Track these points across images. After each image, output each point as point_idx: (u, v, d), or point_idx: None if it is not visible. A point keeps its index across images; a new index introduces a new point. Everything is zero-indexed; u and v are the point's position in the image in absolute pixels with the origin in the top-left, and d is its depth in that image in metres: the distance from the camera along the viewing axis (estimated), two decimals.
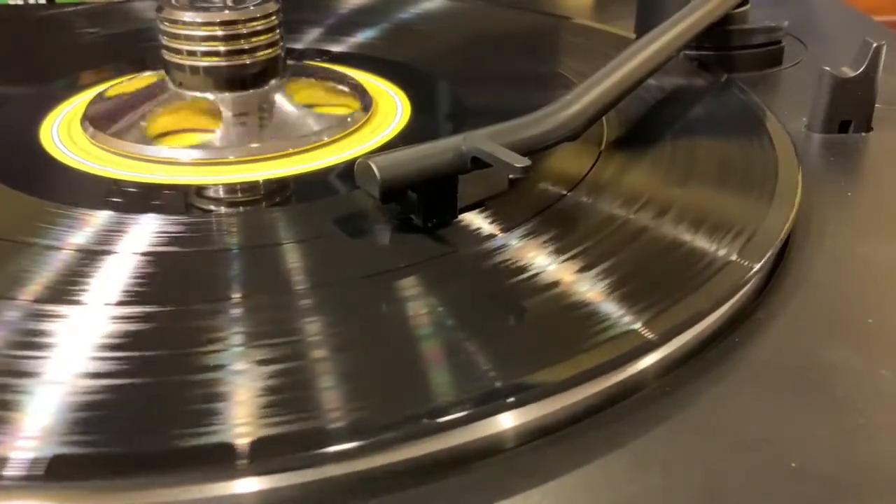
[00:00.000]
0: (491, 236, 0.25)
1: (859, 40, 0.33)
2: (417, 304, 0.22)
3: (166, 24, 0.33)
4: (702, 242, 0.25)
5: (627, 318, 0.21)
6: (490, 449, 0.19)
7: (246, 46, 0.33)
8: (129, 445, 0.18)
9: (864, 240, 0.27)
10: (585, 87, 0.29)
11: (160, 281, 0.23)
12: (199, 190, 0.29)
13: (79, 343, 0.21)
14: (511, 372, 0.20)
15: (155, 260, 0.24)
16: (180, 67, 0.33)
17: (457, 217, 0.26)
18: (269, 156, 0.31)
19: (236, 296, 0.23)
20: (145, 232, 0.26)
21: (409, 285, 0.23)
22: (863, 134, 0.34)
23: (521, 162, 0.24)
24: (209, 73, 0.33)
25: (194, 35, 0.32)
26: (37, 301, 0.22)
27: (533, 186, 0.28)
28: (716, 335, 0.23)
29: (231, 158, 0.31)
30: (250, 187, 0.29)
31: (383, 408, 0.19)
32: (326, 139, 0.32)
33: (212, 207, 0.28)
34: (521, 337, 0.21)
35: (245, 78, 0.33)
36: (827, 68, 0.33)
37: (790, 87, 0.40)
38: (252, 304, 0.22)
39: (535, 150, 0.27)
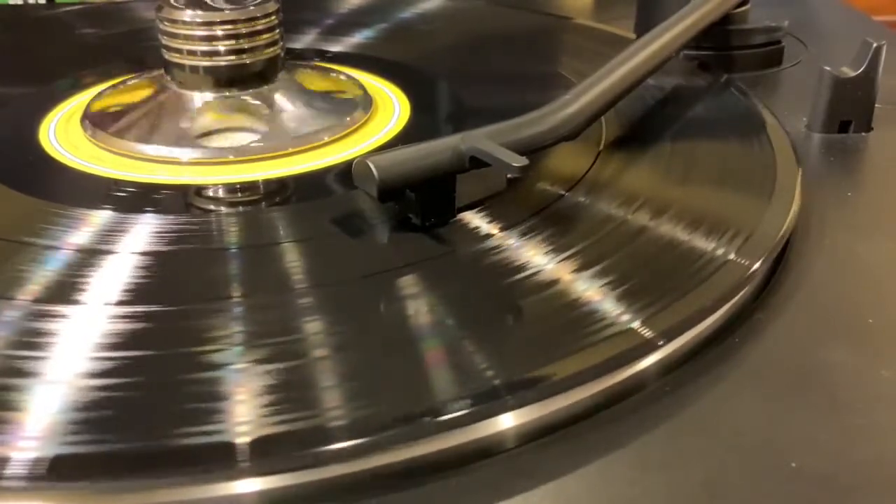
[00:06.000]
0: (489, 235, 0.25)
1: (859, 40, 0.33)
2: (416, 304, 0.22)
3: (166, 23, 0.33)
4: (701, 242, 0.25)
5: (627, 318, 0.21)
6: (490, 449, 0.19)
7: (246, 46, 0.33)
8: (129, 445, 0.18)
9: (864, 240, 0.27)
10: (584, 86, 0.29)
11: (160, 280, 0.23)
12: (199, 190, 0.29)
13: (79, 343, 0.21)
14: (510, 371, 0.20)
15: (154, 260, 0.24)
16: (180, 67, 0.33)
17: (455, 216, 0.26)
18: (268, 155, 0.31)
19: (236, 295, 0.23)
20: (145, 232, 0.26)
21: (408, 284, 0.23)
22: (863, 134, 0.34)
23: (519, 161, 0.24)
24: (209, 73, 0.33)
25: (194, 35, 0.32)
26: (36, 301, 0.22)
27: (531, 186, 0.28)
28: (716, 335, 0.23)
29: (231, 158, 0.31)
30: (250, 187, 0.29)
31: (383, 407, 0.19)
32: (326, 139, 0.32)
33: (211, 207, 0.28)
34: (521, 336, 0.21)
35: (245, 77, 0.33)
36: (827, 68, 0.33)
37: (790, 87, 0.39)
38: (251, 303, 0.22)
39: (534, 149, 0.27)
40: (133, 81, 0.37)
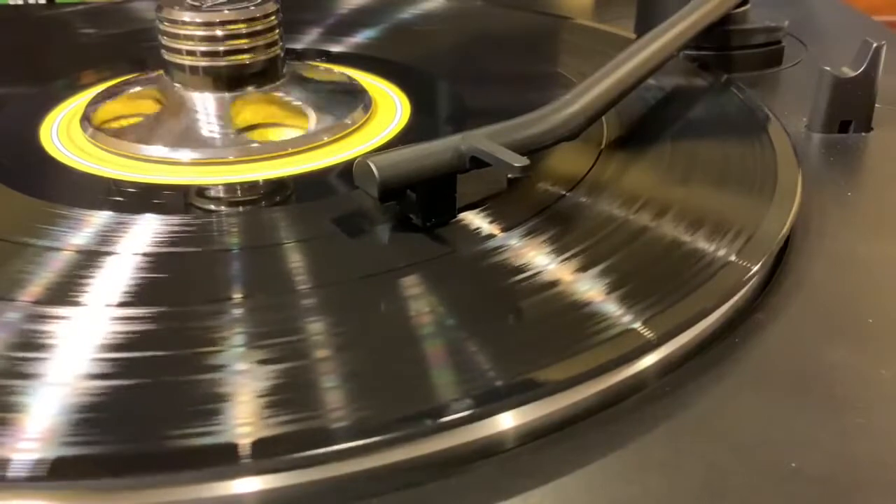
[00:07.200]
0: (490, 236, 0.25)
1: (859, 40, 0.33)
2: (417, 304, 0.22)
3: (166, 23, 0.33)
4: (702, 242, 0.25)
5: (627, 318, 0.21)
6: (490, 449, 0.19)
7: (246, 46, 0.33)
8: (130, 445, 0.18)
9: (864, 240, 0.27)
10: (584, 86, 0.29)
11: (160, 281, 0.23)
12: (199, 190, 0.29)
13: (80, 344, 0.21)
14: (511, 372, 0.20)
15: (155, 260, 0.24)
16: (180, 67, 0.33)
17: (456, 217, 0.26)
18: (268, 156, 0.31)
19: (236, 296, 0.23)
20: (145, 232, 0.26)
21: (409, 285, 0.23)
22: (863, 134, 0.34)
23: (519, 161, 0.24)
24: (209, 73, 0.33)
25: (194, 35, 0.32)
26: (37, 302, 0.22)
27: (532, 186, 0.28)
28: (716, 335, 0.23)
29: (231, 158, 0.31)
30: (250, 187, 0.29)
31: (383, 407, 0.19)
32: (326, 139, 0.32)
33: (212, 207, 0.28)
34: (521, 336, 0.21)
35: (245, 78, 0.33)
36: (827, 68, 0.33)
37: (790, 87, 0.40)
38: (252, 304, 0.22)
39: (534, 149, 0.27)
40: (133, 82, 0.37)
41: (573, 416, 0.20)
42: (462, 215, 0.26)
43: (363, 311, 0.22)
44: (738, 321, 0.23)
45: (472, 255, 0.24)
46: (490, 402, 0.19)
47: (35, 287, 0.23)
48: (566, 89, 0.29)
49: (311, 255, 0.24)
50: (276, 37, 0.34)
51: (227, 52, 0.33)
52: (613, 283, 0.23)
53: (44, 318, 0.22)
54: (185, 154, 0.31)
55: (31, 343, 0.21)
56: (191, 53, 0.33)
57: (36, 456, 0.17)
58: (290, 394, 0.19)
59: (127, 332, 0.21)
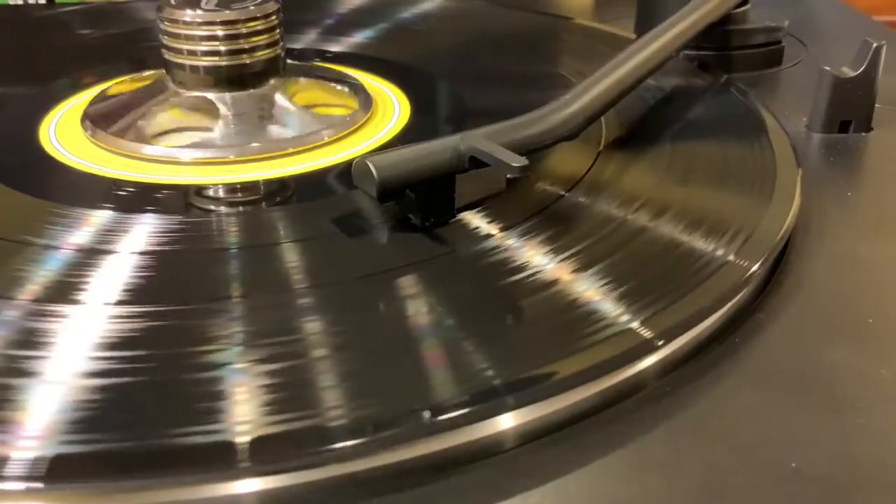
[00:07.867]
0: (489, 236, 0.25)
1: (859, 40, 0.33)
2: (416, 304, 0.22)
3: (166, 23, 0.33)
4: (701, 242, 0.25)
5: (627, 318, 0.21)
6: (490, 449, 0.19)
7: (246, 46, 0.33)
8: (129, 445, 0.18)
9: (864, 240, 0.27)
10: (584, 86, 0.29)
11: (160, 280, 0.23)
12: (199, 190, 0.29)
13: (78, 343, 0.21)
14: (510, 371, 0.20)
15: (154, 259, 0.24)
16: (180, 67, 0.33)
17: (455, 216, 0.26)
18: (268, 155, 0.31)
19: (236, 295, 0.22)
20: (145, 231, 0.26)
21: (408, 285, 0.23)
22: (863, 134, 0.34)
23: (518, 161, 0.24)
24: (209, 73, 0.33)
25: (194, 34, 0.32)
26: (36, 301, 0.22)
27: (531, 186, 0.28)
28: (716, 335, 0.23)
29: (231, 158, 0.31)
30: (250, 187, 0.29)
31: (383, 407, 0.19)
32: (326, 139, 0.32)
33: (211, 207, 0.28)
34: (520, 336, 0.21)
35: (245, 77, 0.33)
36: (827, 68, 0.33)
37: (790, 87, 0.39)
38: (251, 303, 0.22)
39: (533, 149, 0.27)
40: (133, 81, 0.37)
41: (573, 416, 0.20)
42: (461, 215, 0.26)
43: (363, 310, 0.22)
44: (738, 321, 0.23)
45: (472, 255, 0.24)
46: (490, 402, 0.19)
47: (34, 286, 0.23)
48: (566, 89, 0.29)
49: (310, 255, 0.24)
50: (277, 36, 0.34)
51: (228, 52, 0.33)
52: (613, 282, 0.23)
53: (43, 316, 0.22)
54: (185, 154, 0.31)
55: (30, 341, 0.21)
56: (191, 53, 0.33)
57: (34, 454, 0.17)
58: (288, 394, 0.19)
59: (125, 331, 0.21)
